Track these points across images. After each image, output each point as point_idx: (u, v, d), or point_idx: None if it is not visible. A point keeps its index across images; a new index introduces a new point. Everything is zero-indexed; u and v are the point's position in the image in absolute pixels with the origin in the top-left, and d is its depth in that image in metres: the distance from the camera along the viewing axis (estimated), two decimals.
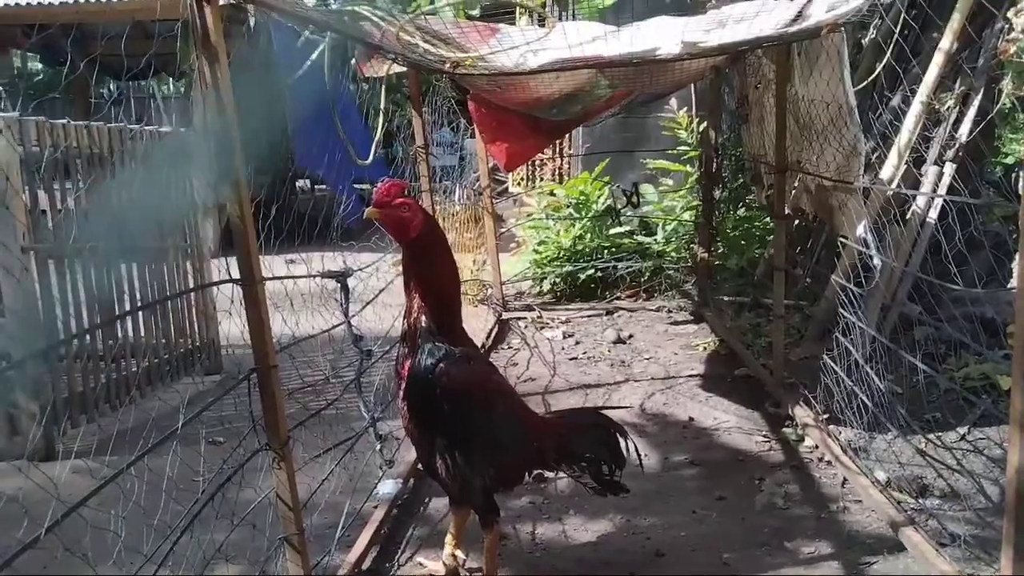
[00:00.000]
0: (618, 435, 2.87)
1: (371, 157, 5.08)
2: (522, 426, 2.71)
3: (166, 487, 2.35)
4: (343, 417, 3.51)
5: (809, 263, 5.09)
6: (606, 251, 6.68)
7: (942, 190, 4.40)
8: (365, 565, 2.83)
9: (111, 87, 12.04)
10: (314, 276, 3.03)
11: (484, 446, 2.56)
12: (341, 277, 3.07)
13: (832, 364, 3.56)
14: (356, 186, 6.27)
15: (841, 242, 3.95)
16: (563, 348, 5.54)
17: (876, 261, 3.63)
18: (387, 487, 3.26)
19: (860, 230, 3.73)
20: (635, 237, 6.73)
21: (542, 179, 9.17)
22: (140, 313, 4.68)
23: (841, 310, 3.52)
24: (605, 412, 3.00)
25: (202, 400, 2.48)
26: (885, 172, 4.53)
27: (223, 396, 2.31)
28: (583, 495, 3.38)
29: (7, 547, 1.68)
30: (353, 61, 4.80)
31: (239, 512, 2.50)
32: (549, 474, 3.55)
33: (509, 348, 5.64)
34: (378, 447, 3.28)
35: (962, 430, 3.65)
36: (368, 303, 3.49)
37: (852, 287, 3.44)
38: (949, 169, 4.44)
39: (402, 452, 3.62)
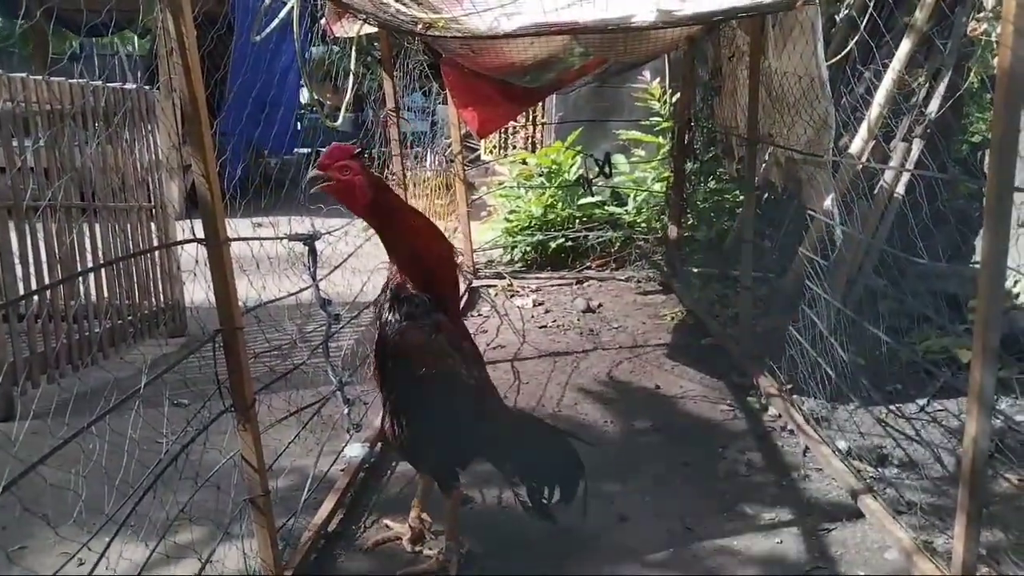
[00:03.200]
0: (579, 473, 2.79)
1: (340, 119, 4.99)
2: (476, 410, 2.60)
3: (128, 448, 2.32)
4: (310, 381, 3.49)
5: (777, 236, 5.13)
6: (577, 221, 6.68)
7: (910, 165, 4.44)
8: (331, 527, 2.83)
9: (72, 43, 11.68)
10: (281, 239, 2.98)
11: (429, 418, 2.53)
12: (309, 240, 3.02)
13: (797, 335, 3.61)
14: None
15: (809, 215, 3.99)
16: (533, 316, 5.55)
17: (839, 233, 3.66)
18: (354, 451, 3.26)
19: (828, 203, 3.76)
20: (606, 207, 6.73)
21: (514, 147, 9.12)
22: (103, 273, 4.58)
23: (807, 282, 3.56)
24: (572, 441, 2.86)
25: (166, 362, 2.45)
26: (855, 146, 4.57)
27: (187, 357, 2.29)
28: None
29: None
30: (323, 20, 4.68)
31: (203, 474, 2.49)
32: None
33: (479, 316, 5.64)
34: (345, 411, 3.25)
35: (922, 402, 3.73)
36: (336, 267, 3.45)
37: (819, 259, 3.47)
38: (918, 145, 4.48)
39: (369, 416, 3.61)
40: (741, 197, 5.91)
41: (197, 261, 2.30)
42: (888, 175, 4.53)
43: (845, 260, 3.68)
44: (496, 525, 2.93)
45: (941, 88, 4.45)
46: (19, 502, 1.82)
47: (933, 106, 4.45)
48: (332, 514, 2.85)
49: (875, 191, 4.50)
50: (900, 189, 4.52)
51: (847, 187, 4.32)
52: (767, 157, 5.00)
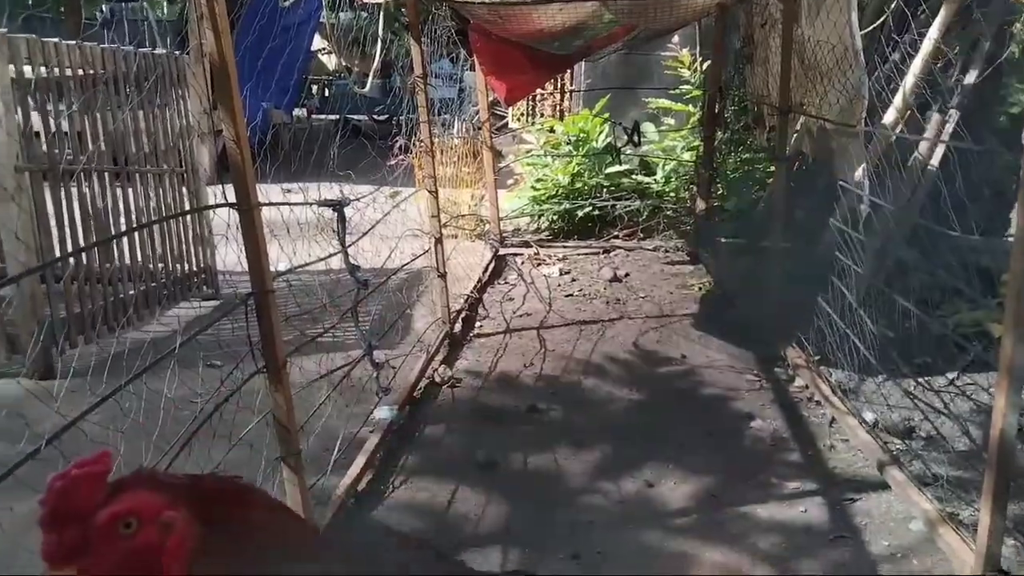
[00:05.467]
0: None
1: (368, 86, 4.99)
2: None
3: (164, 406, 2.38)
4: (340, 345, 3.54)
5: (808, 207, 5.07)
6: (604, 190, 6.64)
7: (945, 137, 4.36)
8: (360, 487, 2.89)
9: (103, 8, 11.74)
10: (311, 204, 3.01)
11: None
12: (338, 206, 3.05)
13: (826, 306, 3.59)
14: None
15: (841, 186, 3.94)
16: (559, 285, 5.56)
17: (864, 205, 3.62)
18: (383, 413, 3.31)
19: (859, 174, 3.72)
20: (634, 176, 6.69)
21: (542, 115, 9.07)
22: (137, 237, 4.66)
23: (837, 254, 3.53)
24: None
25: (199, 324, 2.50)
26: (888, 117, 4.49)
27: (220, 319, 2.33)
28: (574, 428, 3.45)
29: (9, 458, 1.70)
30: None
31: (237, 433, 2.54)
32: (542, 405, 3.62)
33: (505, 283, 5.66)
34: (374, 375, 3.31)
35: (951, 375, 3.70)
36: (364, 234, 3.48)
37: (849, 231, 3.44)
38: (954, 116, 4.39)
39: (397, 380, 3.66)
40: (771, 168, 5.84)
41: (228, 225, 2.34)
42: (922, 147, 4.45)
43: (876, 232, 3.63)
44: (520, 494, 2.97)
45: (979, 58, 4.35)
46: (61, 455, 1.88)
47: (970, 76, 4.35)
48: (362, 474, 2.91)
49: (908, 163, 4.43)
50: (934, 161, 4.44)
51: (879, 158, 4.26)
52: (798, 127, 4.93)
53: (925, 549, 2.54)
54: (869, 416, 3.34)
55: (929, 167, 4.44)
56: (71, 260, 4.18)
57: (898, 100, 4.47)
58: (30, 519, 0.81)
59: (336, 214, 2.99)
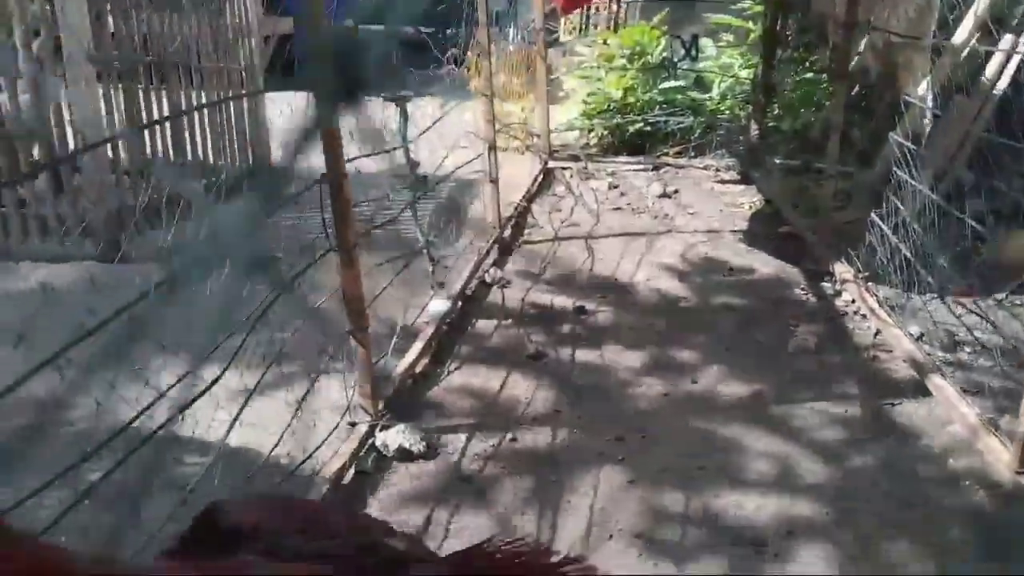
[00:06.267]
0: None
1: None
2: None
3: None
4: (399, 241, 3.64)
5: (867, 126, 5.00)
6: (657, 105, 6.57)
7: (1018, 58, 4.24)
8: (417, 370, 3.04)
9: None
10: (377, 97, 3.08)
11: None
12: (401, 100, 3.12)
13: (879, 221, 3.59)
14: None
15: (904, 101, 3.88)
16: (607, 199, 5.58)
17: (927, 120, 3.57)
18: (437, 306, 3.44)
19: (923, 88, 3.66)
20: (688, 93, 6.60)
21: (595, 27, 8.89)
22: (197, 131, 4.78)
23: (895, 169, 3.51)
24: None
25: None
26: (958, 35, 4.37)
27: (295, 198, 2.43)
28: (621, 329, 3.55)
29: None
30: None
31: (306, 313, 2.68)
32: (590, 307, 3.72)
33: (554, 195, 5.70)
34: (430, 269, 3.43)
35: (1000, 295, 3.71)
36: (425, 131, 3.54)
37: (910, 145, 3.41)
38: None
39: (450, 278, 3.78)
40: (832, 89, 5.74)
41: (281, 112, 2.41)
42: (991, 67, 4.33)
43: (937, 148, 3.59)
44: (568, 383, 3.09)
45: None
46: (131, 330, 2.01)
47: None
48: (419, 359, 3.06)
49: (976, 82, 4.33)
50: (1003, 83, 4.33)
51: (947, 76, 4.17)
52: (862, 47, 4.83)
53: (964, 450, 2.62)
54: (914, 329, 3.38)
55: (997, 89, 4.33)
56: (146, 151, 4.32)
57: (970, 18, 4.35)
58: None
59: (398, 108, 3.06)
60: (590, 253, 4.52)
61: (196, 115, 4.71)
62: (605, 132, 6.69)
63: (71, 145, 4.17)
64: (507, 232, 4.70)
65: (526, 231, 4.90)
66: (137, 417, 1.88)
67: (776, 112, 6.23)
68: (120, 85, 4.21)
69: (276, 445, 2.36)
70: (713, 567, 2.14)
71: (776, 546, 2.20)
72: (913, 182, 3.41)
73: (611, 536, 2.25)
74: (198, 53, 4.74)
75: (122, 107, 4.26)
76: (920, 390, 2.97)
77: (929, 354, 3.17)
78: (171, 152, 4.58)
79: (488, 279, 4.03)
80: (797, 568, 2.14)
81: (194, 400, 1.99)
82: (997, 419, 2.72)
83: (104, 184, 4.11)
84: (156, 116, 4.43)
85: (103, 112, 4.11)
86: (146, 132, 4.37)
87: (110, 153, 4.32)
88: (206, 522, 0.85)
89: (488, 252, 4.30)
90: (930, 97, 3.55)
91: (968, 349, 3.28)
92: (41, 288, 3.16)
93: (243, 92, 5.04)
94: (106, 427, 1.98)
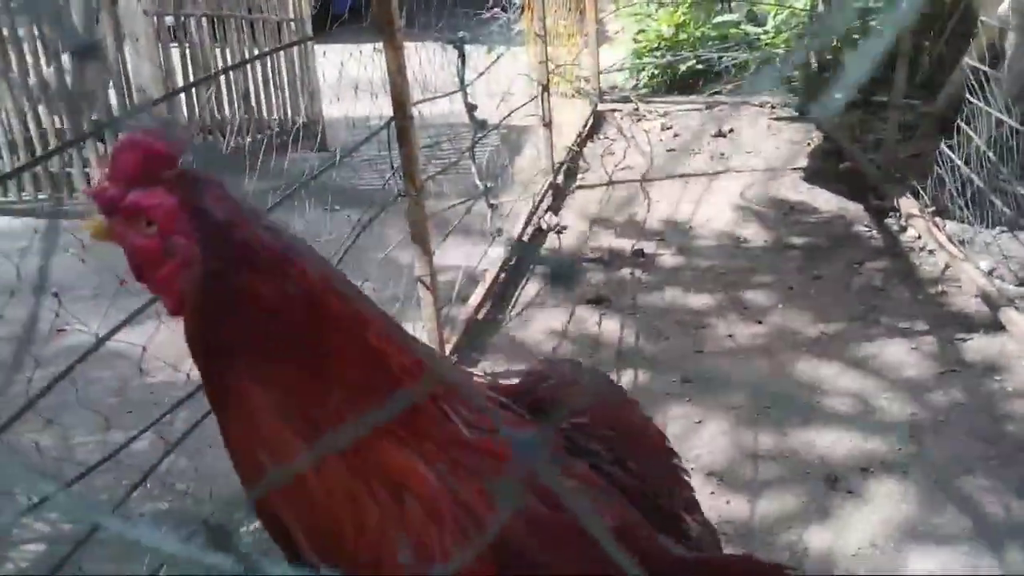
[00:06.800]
0: None
1: None
2: None
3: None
4: (458, 190, 3.64)
5: (935, 50, 4.80)
6: (710, 41, 6.40)
7: None
8: (480, 315, 3.07)
9: None
10: (436, 40, 3.06)
11: None
12: (459, 43, 3.09)
13: (949, 152, 3.48)
14: None
15: (981, 21, 3.70)
16: (660, 140, 5.50)
17: (1008, 42, 3.41)
18: (496, 252, 3.45)
19: (1004, 7, 3.48)
20: (742, 27, 6.40)
21: None
22: (251, 89, 4.82)
23: (968, 96, 3.38)
24: None
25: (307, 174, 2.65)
26: None
27: (366, 141, 2.43)
28: (681, 271, 3.54)
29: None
30: None
31: (374, 265, 2.73)
32: (649, 250, 3.70)
33: (605, 139, 5.63)
34: (489, 215, 3.44)
35: None
36: (481, 74, 3.51)
37: (985, 69, 3.28)
38: None
39: (507, 224, 3.79)
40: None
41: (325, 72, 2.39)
42: None
43: (1017, 72, 3.42)
44: (630, 326, 3.10)
45: None
46: None
47: None
48: (481, 304, 3.09)
49: None
50: None
51: None
52: None
53: None
54: (985, 264, 3.30)
55: None
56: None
57: None
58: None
59: (457, 50, 3.04)
60: (646, 196, 4.48)
61: (249, 69, 4.74)
62: (656, 71, 6.54)
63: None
64: (560, 177, 4.68)
65: (579, 176, 4.87)
66: None
67: (835, 44, 6.01)
68: (177, 40, 4.26)
69: None
70: (787, 503, 2.15)
71: (850, 483, 2.21)
72: (989, 108, 3.28)
73: None
74: (249, 7, 4.75)
75: (183, 62, 4.31)
76: (993, 325, 2.91)
77: (1000, 289, 3.09)
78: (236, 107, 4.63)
79: (544, 225, 4.02)
80: (873, 504, 2.14)
81: None
82: None
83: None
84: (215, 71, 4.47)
85: (162, 68, 4.17)
86: (204, 89, 4.42)
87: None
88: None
89: (543, 198, 4.28)
90: (1011, 17, 3.37)
91: None
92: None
93: (293, 42, 5.05)
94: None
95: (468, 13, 3.84)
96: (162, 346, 2.17)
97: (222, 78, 4.59)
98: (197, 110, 4.60)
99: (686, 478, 1.09)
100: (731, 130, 5.60)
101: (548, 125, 4.44)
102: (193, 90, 4.46)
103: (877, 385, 2.63)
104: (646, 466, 0.99)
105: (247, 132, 4.81)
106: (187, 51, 4.39)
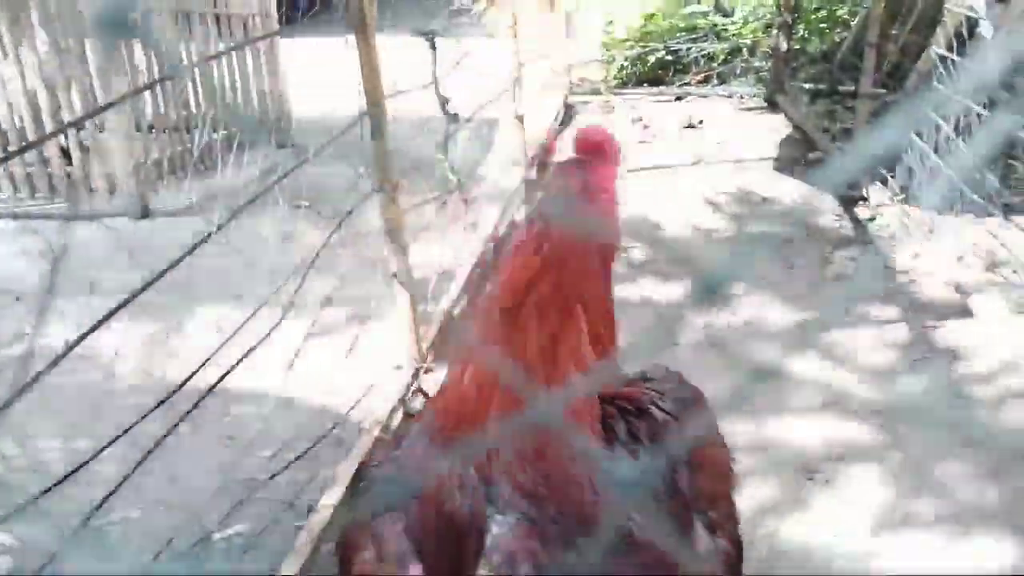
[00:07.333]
0: None
1: None
2: None
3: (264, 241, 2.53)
4: (431, 185, 3.60)
5: (900, 38, 4.85)
6: (679, 33, 6.41)
7: None
8: (456, 312, 3.05)
9: None
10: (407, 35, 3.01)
11: None
12: (430, 36, 3.05)
13: (918, 140, 3.52)
14: None
15: (947, 8, 3.73)
16: (631, 133, 5.50)
17: (980, 29, 3.43)
18: (472, 247, 3.42)
19: None
20: (710, 17, 6.43)
21: None
22: (215, 84, 4.73)
23: (936, 84, 3.42)
24: None
25: (281, 170, 2.59)
26: None
27: (337, 138, 2.39)
28: (654, 264, 3.54)
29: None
30: None
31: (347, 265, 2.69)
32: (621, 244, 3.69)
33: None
34: (463, 210, 3.41)
35: None
36: (456, 63, 3.46)
37: (952, 56, 3.31)
38: None
39: (482, 217, 3.76)
40: (857, 7, 5.58)
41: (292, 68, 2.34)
42: None
43: (984, 60, 3.46)
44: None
45: None
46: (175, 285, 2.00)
47: None
48: (457, 301, 3.06)
49: None
50: None
51: None
52: None
53: (1009, 371, 2.61)
54: (954, 251, 3.34)
55: None
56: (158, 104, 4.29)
57: None
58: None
59: (428, 43, 2.99)
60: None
61: (215, 64, 4.66)
62: (625, 64, 6.55)
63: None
64: (532, 172, 4.65)
65: (551, 170, 4.85)
66: (202, 366, 1.90)
67: (801, 34, 6.07)
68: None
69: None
70: (764, 495, 2.16)
71: (827, 472, 2.22)
72: (954, 97, 3.32)
73: None
74: (215, 1, 4.67)
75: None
76: (963, 311, 2.95)
77: (969, 276, 3.14)
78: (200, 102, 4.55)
79: (518, 219, 4.00)
80: (849, 493, 2.16)
81: (253, 349, 2.01)
82: None
83: (131, 140, 4.10)
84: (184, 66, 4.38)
85: (126, 62, 4.08)
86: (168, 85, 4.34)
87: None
88: None
89: (516, 192, 4.26)
90: (982, 4, 3.40)
91: (1010, 267, 3.24)
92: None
93: (259, 36, 4.96)
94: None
95: (439, 4, 3.78)
96: (130, 351, 2.13)
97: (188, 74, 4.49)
98: (163, 107, 4.51)
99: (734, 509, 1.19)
100: (701, 121, 5.63)
101: (520, 118, 4.42)
102: (158, 86, 4.38)
103: (851, 374, 2.65)
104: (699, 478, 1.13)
105: (214, 129, 4.72)
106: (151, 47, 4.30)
